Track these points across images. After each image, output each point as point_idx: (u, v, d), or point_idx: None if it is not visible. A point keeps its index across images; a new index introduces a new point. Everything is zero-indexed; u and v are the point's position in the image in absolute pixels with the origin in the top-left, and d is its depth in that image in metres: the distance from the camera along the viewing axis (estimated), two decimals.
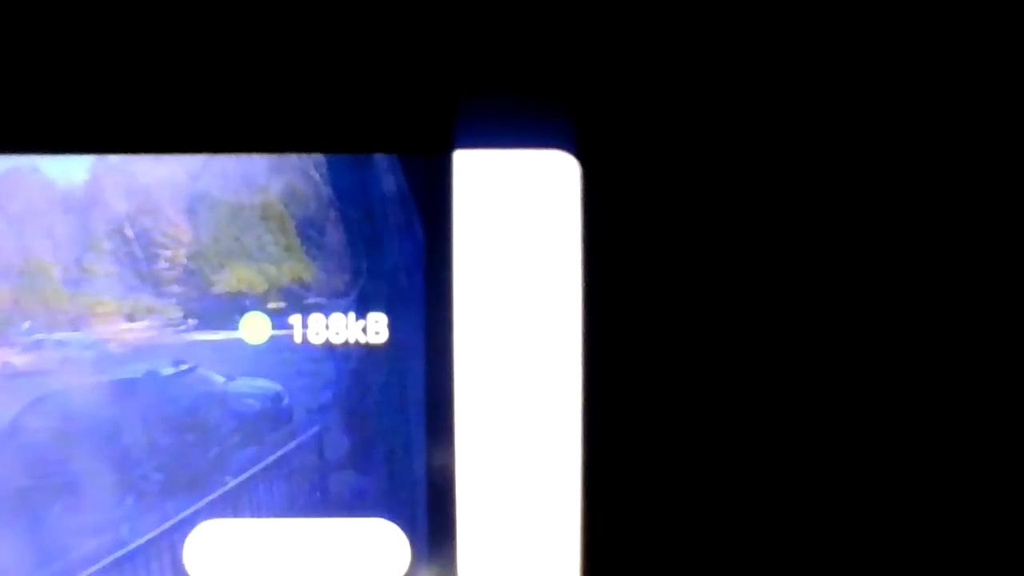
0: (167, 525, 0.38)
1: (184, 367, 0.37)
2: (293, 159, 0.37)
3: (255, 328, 0.37)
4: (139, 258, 0.37)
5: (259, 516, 0.38)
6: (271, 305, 0.37)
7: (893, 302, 0.38)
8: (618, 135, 0.37)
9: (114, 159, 0.37)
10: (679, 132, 0.37)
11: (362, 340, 0.37)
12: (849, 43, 0.37)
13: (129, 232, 0.37)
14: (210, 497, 0.38)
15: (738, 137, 0.38)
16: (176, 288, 0.37)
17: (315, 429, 0.37)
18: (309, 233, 0.37)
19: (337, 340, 0.37)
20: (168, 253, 0.37)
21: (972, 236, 0.38)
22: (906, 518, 0.39)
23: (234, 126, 0.36)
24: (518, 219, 0.36)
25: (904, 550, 0.39)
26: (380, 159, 0.37)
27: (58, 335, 0.37)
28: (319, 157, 0.37)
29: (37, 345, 0.37)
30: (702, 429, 0.38)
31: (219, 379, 0.37)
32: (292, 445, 0.38)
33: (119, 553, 0.38)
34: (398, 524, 0.38)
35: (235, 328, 0.37)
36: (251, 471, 0.38)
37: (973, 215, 0.38)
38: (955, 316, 0.38)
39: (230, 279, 0.37)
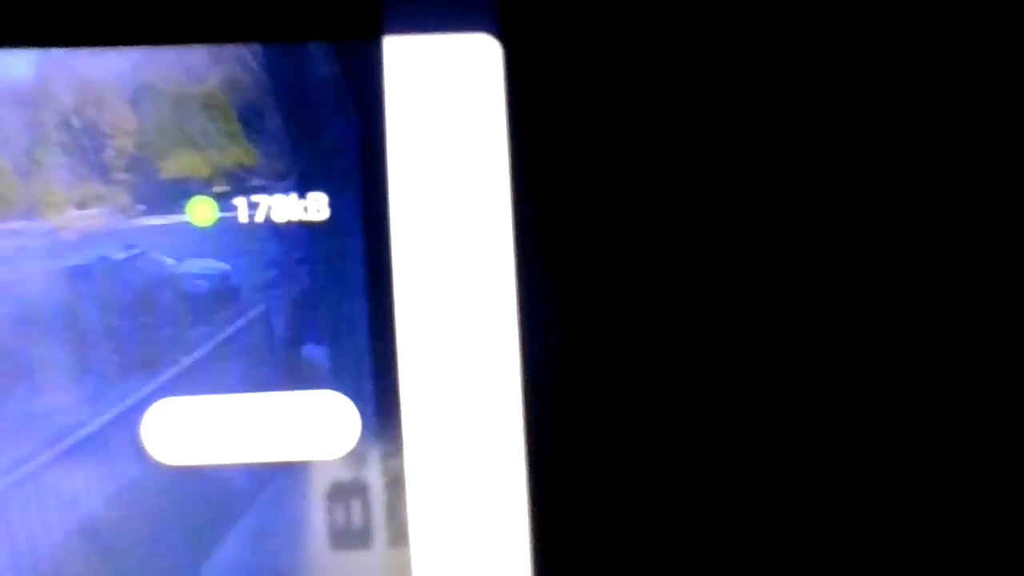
0: (125, 405, 0.40)
1: (135, 251, 0.39)
2: (232, 50, 0.39)
3: (202, 211, 0.39)
4: (87, 148, 0.39)
5: (213, 392, 0.40)
6: (216, 189, 0.39)
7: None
8: (540, 18, 0.39)
9: (58, 53, 0.38)
10: (602, 15, 0.39)
11: (304, 219, 0.39)
12: None
13: (76, 123, 0.39)
14: (165, 376, 0.40)
15: (663, 18, 0.40)
16: (124, 176, 0.39)
17: (263, 306, 0.39)
18: (250, 120, 0.39)
19: (280, 220, 0.39)
20: (115, 143, 0.39)
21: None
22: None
23: (172, 18, 0.38)
24: (447, 100, 0.38)
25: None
26: (314, 47, 0.39)
27: (11, 225, 0.39)
28: (256, 47, 0.39)
29: None
30: (626, 306, 0.40)
31: (169, 261, 0.39)
32: (241, 322, 0.40)
33: (79, 434, 0.40)
34: (347, 394, 0.40)
35: (182, 212, 0.39)
36: (204, 349, 0.40)
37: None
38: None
39: (176, 166, 0.39)
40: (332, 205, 0.39)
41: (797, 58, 0.40)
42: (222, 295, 0.39)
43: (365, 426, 0.40)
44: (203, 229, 0.39)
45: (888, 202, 0.40)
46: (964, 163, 0.40)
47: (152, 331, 0.39)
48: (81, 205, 0.39)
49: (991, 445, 0.41)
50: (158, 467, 0.40)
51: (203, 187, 0.39)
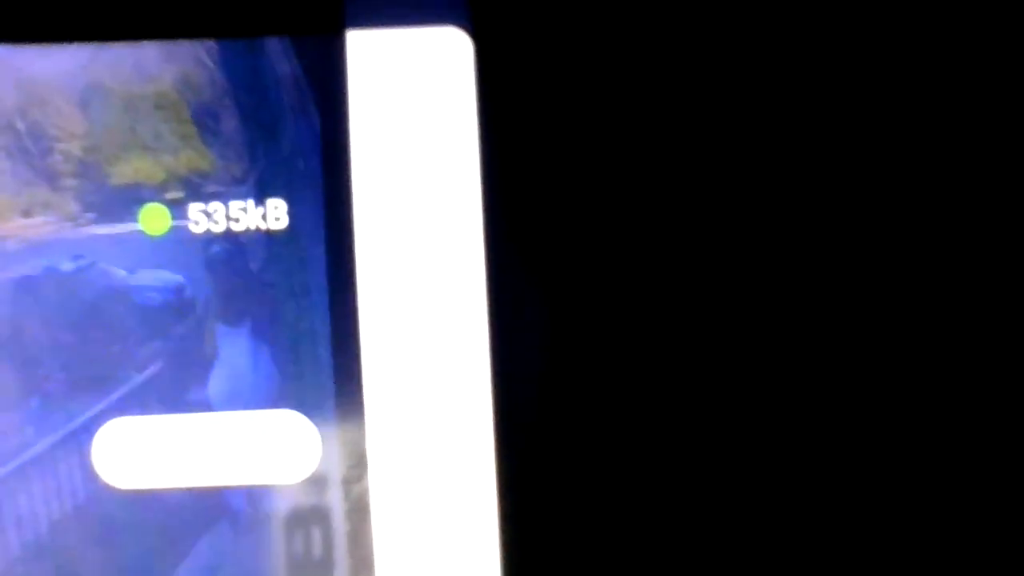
0: (74, 425, 0.37)
1: (84, 262, 0.37)
2: (186, 46, 0.36)
3: (154, 219, 0.37)
4: (32, 152, 0.36)
5: (167, 412, 0.37)
6: (170, 195, 0.37)
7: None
8: (513, 11, 0.37)
9: None
10: (577, 7, 0.37)
11: (262, 227, 0.37)
12: None
13: (20, 126, 0.36)
14: (116, 395, 0.37)
15: (638, 14, 0.38)
16: (72, 181, 0.37)
17: (219, 320, 0.37)
18: (205, 121, 0.37)
19: (237, 228, 0.37)
20: (62, 146, 0.37)
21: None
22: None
23: (123, 13, 0.36)
24: (414, 99, 0.36)
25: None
26: (273, 43, 0.36)
27: None
28: (212, 43, 0.36)
29: None
30: (599, 310, 0.38)
31: (120, 273, 0.37)
32: (197, 337, 0.37)
33: (26, 456, 0.37)
34: (307, 415, 0.37)
35: (134, 220, 0.37)
36: (157, 366, 0.37)
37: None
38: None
39: (127, 170, 0.37)
40: (292, 212, 0.37)
41: (768, 55, 0.38)
42: (176, 308, 0.37)
43: (326, 448, 0.38)
44: (156, 238, 0.37)
45: (857, 200, 0.39)
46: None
47: (102, 347, 0.37)
48: (26, 213, 0.37)
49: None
50: (109, 490, 0.38)
51: (156, 193, 0.37)
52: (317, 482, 0.38)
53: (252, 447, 0.37)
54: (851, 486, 0.39)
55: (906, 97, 0.38)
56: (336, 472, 0.38)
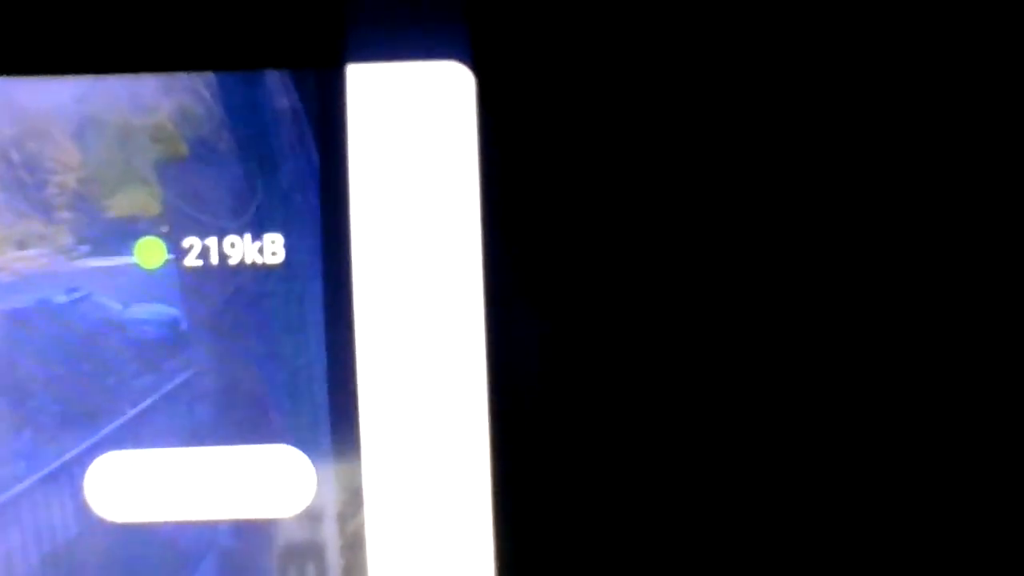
0: (66, 458, 0.37)
1: (78, 295, 0.37)
2: (183, 79, 0.36)
3: (150, 252, 0.36)
4: (27, 184, 0.36)
5: (161, 446, 0.37)
6: (165, 228, 0.36)
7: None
8: (514, 45, 0.37)
9: None
10: (577, 41, 0.37)
11: (259, 261, 0.36)
12: None
13: (15, 157, 0.36)
14: (110, 428, 0.37)
15: (637, 47, 0.37)
16: (67, 214, 0.36)
17: (214, 354, 0.37)
18: (202, 154, 0.36)
19: (233, 262, 0.36)
20: (57, 178, 0.36)
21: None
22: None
23: (120, 46, 0.36)
24: (414, 133, 0.36)
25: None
26: (271, 76, 0.36)
27: None
28: (209, 76, 0.36)
29: None
30: (597, 340, 0.38)
31: (115, 306, 0.37)
32: (191, 371, 0.37)
33: (17, 488, 0.37)
34: (302, 449, 0.37)
35: (130, 253, 0.36)
36: (151, 400, 0.37)
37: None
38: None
39: (123, 203, 0.36)
40: (289, 246, 0.37)
41: (773, 83, 0.38)
42: (170, 342, 0.37)
43: (321, 482, 0.37)
44: (151, 271, 0.36)
45: (870, 213, 0.39)
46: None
47: (96, 380, 0.37)
48: (20, 245, 0.36)
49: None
50: (102, 524, 0.37)
51: (151, 227, 0.36)
52: (312, 517, 0.37)
53: (247, 481, 0.37)
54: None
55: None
56: (331, 507, 0.38)
